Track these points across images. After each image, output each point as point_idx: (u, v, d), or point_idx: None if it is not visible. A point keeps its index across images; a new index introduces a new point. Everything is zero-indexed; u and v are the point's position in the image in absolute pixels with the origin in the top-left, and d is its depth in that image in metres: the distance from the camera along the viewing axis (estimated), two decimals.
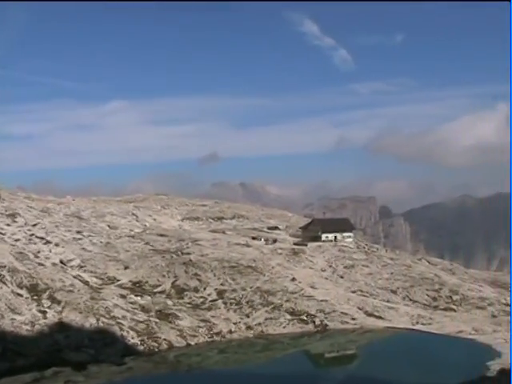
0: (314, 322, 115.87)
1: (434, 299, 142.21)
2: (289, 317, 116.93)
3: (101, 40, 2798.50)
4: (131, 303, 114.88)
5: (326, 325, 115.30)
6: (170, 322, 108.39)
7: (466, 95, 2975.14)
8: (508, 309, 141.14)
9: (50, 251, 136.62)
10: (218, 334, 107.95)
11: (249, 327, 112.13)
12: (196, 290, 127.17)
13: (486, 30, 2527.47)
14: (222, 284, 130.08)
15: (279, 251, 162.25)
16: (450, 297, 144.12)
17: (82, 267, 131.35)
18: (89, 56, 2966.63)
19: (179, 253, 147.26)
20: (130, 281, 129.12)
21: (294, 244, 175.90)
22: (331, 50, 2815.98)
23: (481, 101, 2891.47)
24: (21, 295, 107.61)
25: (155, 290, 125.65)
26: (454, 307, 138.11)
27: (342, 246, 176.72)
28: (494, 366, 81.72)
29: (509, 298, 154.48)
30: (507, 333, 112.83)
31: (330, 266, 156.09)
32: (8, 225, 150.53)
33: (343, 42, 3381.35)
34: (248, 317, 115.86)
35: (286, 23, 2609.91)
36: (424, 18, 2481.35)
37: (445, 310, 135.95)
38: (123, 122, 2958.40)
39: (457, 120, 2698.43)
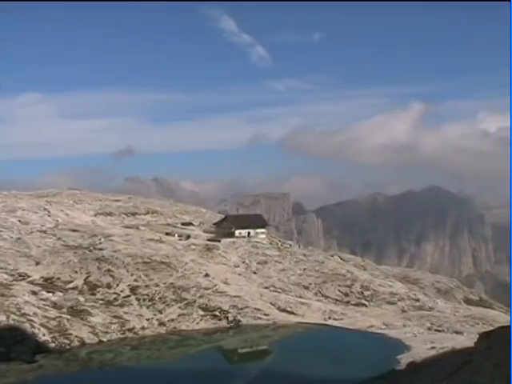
0: (227, 318, 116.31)
1: (346, 295, 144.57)
2: (202, 313, 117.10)
3: (15, 29, 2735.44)
4: (43, 300, 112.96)
5: (239, 321, 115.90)
6: (82, 319, 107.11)
7: (381, 94, 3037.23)
8: (417, 304, 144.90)
9: None
10: (130, 330, 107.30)
11: (162, 323, 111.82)
12: (109, 286, 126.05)
13: (403, 31, 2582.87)
14: (135, 280, 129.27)
15: (193, 247, 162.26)
16: (362, 292, 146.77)
17: None
18: (1, 46, 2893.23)
19: (92, 248, 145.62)
20: (42, 277, 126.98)
21: (208, 240, 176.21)
22: (248, 46, 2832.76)
23: (395, 100, 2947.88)
24: None
25: (67, 287, 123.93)
26: (366, 302, 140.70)
27: (256, 242, 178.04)
28: (404, 360, 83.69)
29: (418, 293, 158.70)
30: (416, 327, 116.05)
31: (244, 262, 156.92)
32: None
33: (261, 39, 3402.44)
34: (161, 313, 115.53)
35: (203, 19, 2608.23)
36: (342, 17, 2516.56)
37: (356, 305, 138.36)
38: (36, 115, 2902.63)
39: (371, 118, 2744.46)
